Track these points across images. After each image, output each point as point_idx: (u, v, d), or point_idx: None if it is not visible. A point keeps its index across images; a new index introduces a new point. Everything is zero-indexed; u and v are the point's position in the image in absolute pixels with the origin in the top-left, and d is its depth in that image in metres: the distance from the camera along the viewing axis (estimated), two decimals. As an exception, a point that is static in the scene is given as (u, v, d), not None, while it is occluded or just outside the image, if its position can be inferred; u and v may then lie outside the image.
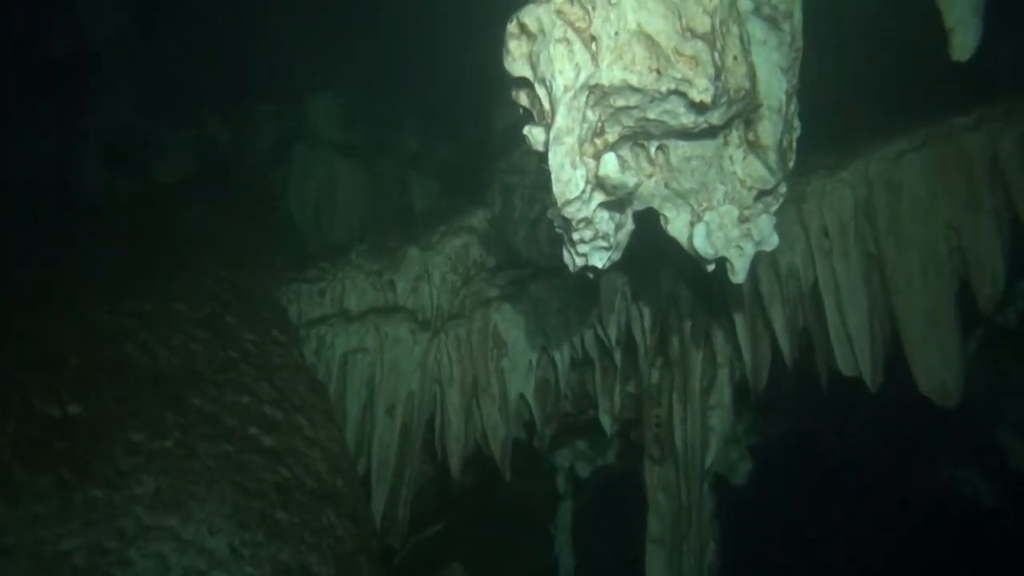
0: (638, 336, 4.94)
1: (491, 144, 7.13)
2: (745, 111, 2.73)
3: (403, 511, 5.14)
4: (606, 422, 5.32)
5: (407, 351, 5.43)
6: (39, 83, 6.69)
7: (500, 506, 6.72)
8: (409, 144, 8.92)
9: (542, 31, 2.50)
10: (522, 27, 2.55)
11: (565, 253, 3.08)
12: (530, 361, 5.25)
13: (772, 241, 2.97)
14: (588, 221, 2.81)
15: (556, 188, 2.70)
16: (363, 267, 5.90)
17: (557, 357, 5.21)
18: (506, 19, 2.85)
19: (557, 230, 3.00)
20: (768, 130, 2.83)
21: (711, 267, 3.06)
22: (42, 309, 4.21)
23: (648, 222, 3.14)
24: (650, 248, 4.76)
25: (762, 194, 2.91)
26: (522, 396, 5.22)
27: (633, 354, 5.05)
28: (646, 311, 4.88)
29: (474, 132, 8.04)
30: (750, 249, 2.95)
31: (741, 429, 5.78)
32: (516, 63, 2.63)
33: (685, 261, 4.72)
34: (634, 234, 3.09)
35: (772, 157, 2.88)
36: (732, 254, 2.94)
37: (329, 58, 7.86)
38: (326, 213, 8.29)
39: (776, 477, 6.25)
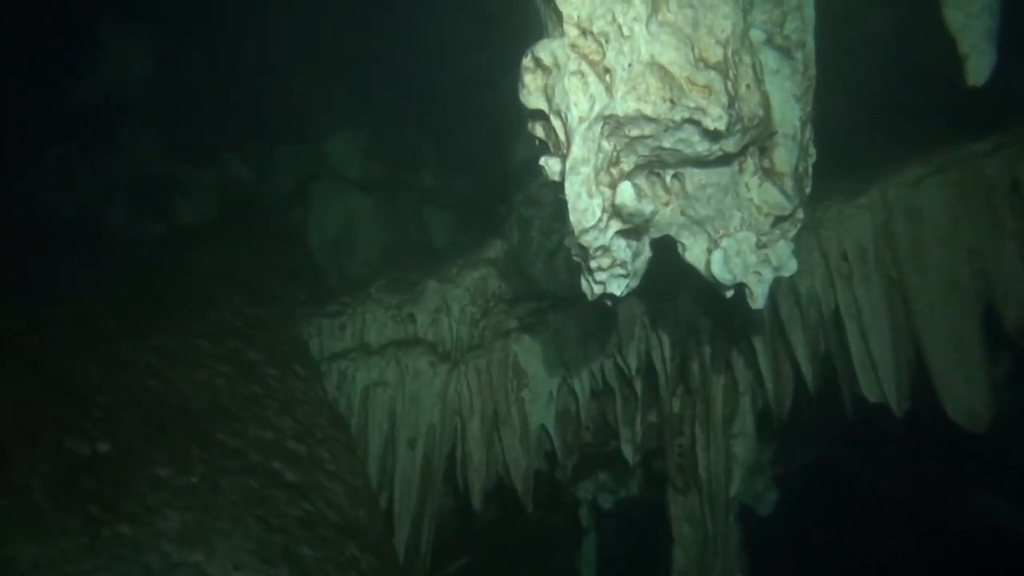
0: (658, 364, 4.92)
1: (508, 178, 7.22)
2: (760, 138, 2.77)
3: (426, 545, 5.10)
4: (628, 452, 5.28)
5: (427, 383, 5.45)
6: (69, 129, 6.92)
7: (522, 540, 6.64)
8: (426, 180, 9.06)
9: (556, 64, 2.57)
10: (537, 61, 2.62)
11: (583, 281, 3.11)
12: (550, 392, 5.24)
13: (791, 267, 2.98)
14: (605, 249, 2.85)
15: (573, 217, 2.74)
16: (383, 301, 5.96)
17: (577, 387, 5.20)
18: (520, 55, 2.93)
19: (575, 259, 3.03)
20: (783, 157, 2.87)
21: (730, 293, 3.07)
22: (72, 347, 4.29)
23: (665, 250, 3.17)
24: (668, 276, 4.78)
25: (779, 220, 2.94)
26: (543, 427, 5.20)
27: (653, 383, 5.03)
28: (665, 339, 4.87)
29: (491, 167, 8.16)
30: (768, 275, 2.96)
31: (766, 458, 5.69)
32: (531, 96, 2.70)
33: (703, 288, 4.73)
34: (652, 262, 3.11)
35: (788, 183, 2.90)
36: (751, 280, 2.95)
37: (347, 97, 8.06)
38: (346, 249, 8.41)
39: (803, 507, 6.12)
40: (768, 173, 2.89)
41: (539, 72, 2.67)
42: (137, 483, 3.58)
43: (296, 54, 7.73)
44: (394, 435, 5.37)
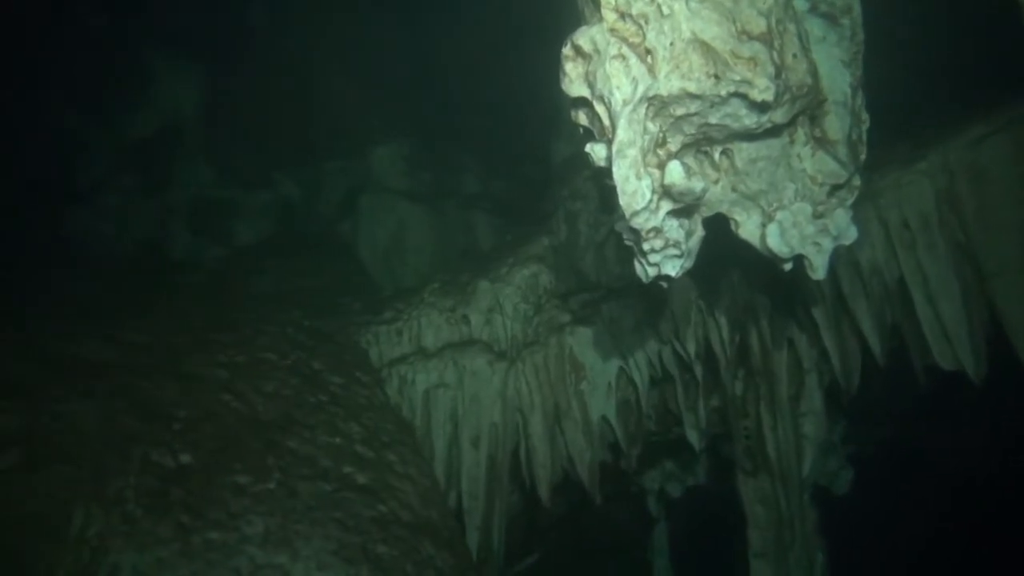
0: (717, 348, 4.86)
1: (551, 176, 7.26)
2: (809, 107, 2.73)
3: (498, 541, 5.15)
4: (693, 438, 5.22)
5: (486, 382, 5.50)
6: (129, 162, 7.26)
7: (593, 533, 6.63)
8: (470, 185, 9.17)
9: (596, 50, 2.58)
10: (577, 49, 2.64)
11: (637, 265, 3.10)
12: (609, 382, 5.23)
13: (851, 234, 2.92)
14: (657, 230, 2.84)
15: (622, 200, 2.74)
16: (437, 304, 6.05)
17: (636, 376, 5.18)
18: (555, 54, 2.96)
19: (627, 243, 3.03)
20: (835, 124, 2.81)
21: (788, 266, 3.02)
22: (150, 367, 4.51)
23: (718, 231, 3.14)
24: (723, 257, 4.72)
25: (835, 188, 2.88)
26: (604, 418, 5.20)
27: (714, 366, 4.96)
28: (723, 322, 4.80)
29: (533, 167, 8.20)
30: (828, 244, 2.91)
31: (837, 436, 5.55)
32: (573, 84, 2.72)
33: (759, 266, 4.65)
34: (705, 245, 3.09)
35: (842, 151, 2.85)
36: (810, 251, 2.91)
37: (387, 110, 8.22)
38: (396, 258, 8.57)
39: (880, 485, 5.93)
40: (820, 142, 2.84)
41: (579, 59, 2.69)
42: (220, 491, 3.73)
43: (336, 72, 7.92)
44: (457, 435, 5.44)
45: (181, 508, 3.49)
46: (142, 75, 7.29)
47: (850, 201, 2.94)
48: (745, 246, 3.07)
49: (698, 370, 4.93)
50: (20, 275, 5.33)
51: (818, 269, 2.92)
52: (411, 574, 3.83)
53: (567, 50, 2.66)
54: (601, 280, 5.91)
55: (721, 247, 3.47)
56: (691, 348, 4.84)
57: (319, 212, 8.72)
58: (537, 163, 7.95)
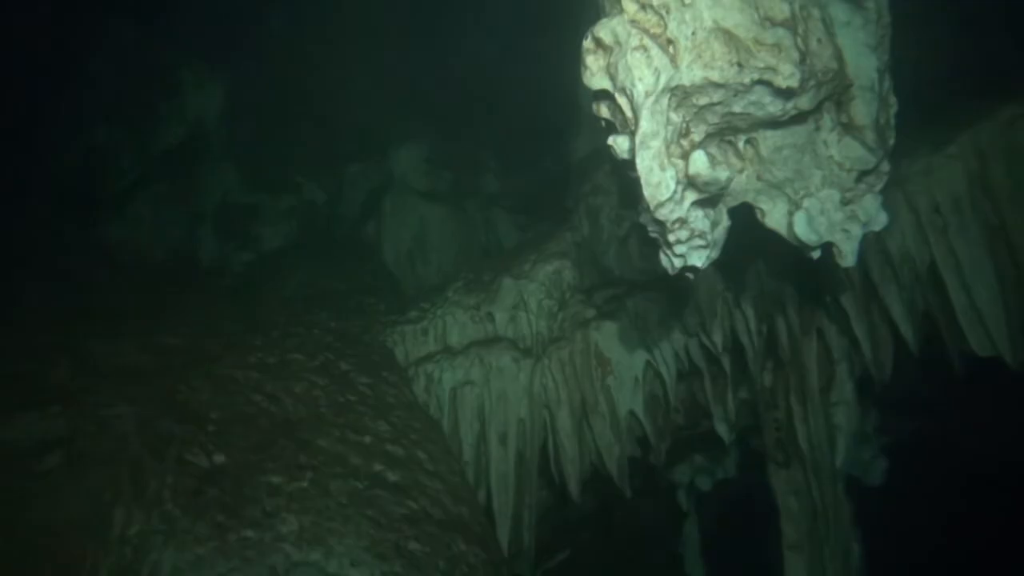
0: (744, 340, 4.83)
1: (571, 172, 7.25)
2: (835, 93, 2.70)
3: (528, 537, 5.17)
4: (722, 430, 5.19)
5: (512, 379, 5.52)
6: (158, 170, 7.40)
7: (623, 528, 6.62)
8: (490, 184, 9.20)
9: (617, 42, 2.58)
10: (597, 41, 2.64)
11: (662, 257, 3.09)
12: (636, 377, 5.22)
13: (880, 220, 2.89)
14: (683, 221, 2.83)
15: (647, 192, 2.74)
16: (461, 302, 6.08)
17: (663, 370, 5.16)
18: (572, 53, 2.95)
19: (651, 235, 3.03)
20: (862, 109, 2.78)
21: (816, 254, 2.99)
22: (183, 370, 4.60)
23: (743, 221, 3.12)
24: (748, 248, 4.68)
25: (863, 174, 2.85)
26: (632, 413, 5.18)
27: (742, 358, 4.93)
28: (750, 313, 4.77)
29: (552, 164, 8.20)
30: (857, 231, 2.88)
31: (870, 426, 5.47)
32: (595, 77, 2.72)
33: (786, 255, 4.61)
34: (730, 235, 3.07)
35: (870, 136, 2.82)
36: (838, 238, 2.88)
37: (407, 111, 8.27)
38: (419, 258, 8.63)
39: (916, 475, 5.84)
40: (847, 127, 2.81)
41: (600, 52, 2.69)
42: (254, 490, 3.80)
43: (356, 75, 7.99)
44: (485, 432, 5.46)
45: (217, 507, 3.56)
46: (168, 85, 7.43)
47: (879, 187, 2.90)
48: (771, 235, 3.05)
49: (726, 362, 4.90)
50: (56, 282, 5.47)
51: (847, 256, 2.89)
52: (444, 570, 3.87)
53: (588, 43, 2.66)
54: (625, 275, 5.90)
55: (747, 237, 3.45)
56: (718, 340, 4.81)
57: (342, 214, 8.81)
58: (557, 160, 7.96)
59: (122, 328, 5.00)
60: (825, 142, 2.84)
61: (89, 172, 6.91)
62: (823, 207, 2.88)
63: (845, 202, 2.88)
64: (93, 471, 3.55)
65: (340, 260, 8.18)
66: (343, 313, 6.57)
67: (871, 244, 4.19)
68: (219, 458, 3.92)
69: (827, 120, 2.79)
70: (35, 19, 6.29)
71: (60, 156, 6.65)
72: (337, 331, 6.17)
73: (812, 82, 2.55)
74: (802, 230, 2.86)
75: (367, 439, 4.79)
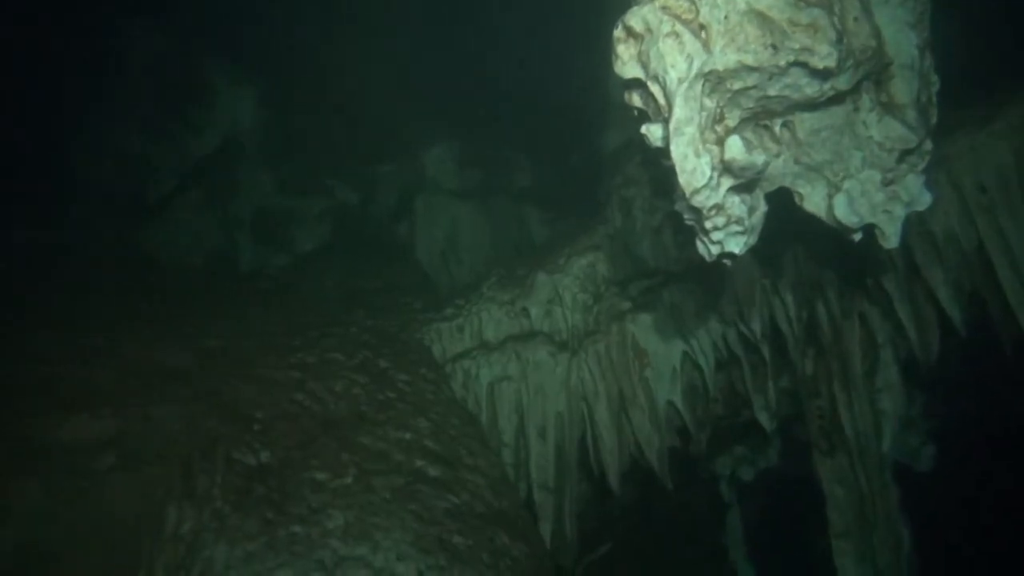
0: (784, 327, 4.76)
1: (602, 165, 7.22)
2: (874, 72, 2.65)
3: (571, 530, 5.18)
4: (764, 420, 5.12)
5: (549, 373, 5.53)
6: (195, 177, 7.57)
7: (665, 520, 6.58)
8: (521, 181, 9.21)
9: (649, 30, 2.56)
10: (628, 30, 2.63)
11: (699, 244, 3.07)
12: (674, 367, 5.18)
13: (924, 200, 2.82)
14: (719, 207, 2.80)
15: (682, 179, 2.72)
16: (496, 298, 6.10)
17: (701, 360, 5.11)
18: (603, 40, 2.93)
19: (687, 222, 3.00)
20: (902, 88, 2.72)
21: (858, 236, 2.94)
22: (227, 371, 4.70)
23: (780, 207, 3.08)
24: (786, 233, 4.61)
25: (905, 154, 2.79)
26: (671, 403, 5.15)
27: (781, 346, 4.86)
28: (789, 300, 4.69)
29: (581, 159, 8.18)
30: (900, 211, 2.82)
31: (916, 411, 5.34)
32: (626, 66, 2.71)
33: (825, 240, 4.53)
34: (767, 221, 3.03)
35: (911, 115, 2.75)
36: (881, 219, 2.82)
37: (436, 111, 8.32)
38: (452, 256, 8.68)
39: (964, 459, 5.68)
40: (887, 107, 2.75)
41: (631, 40, 2.67)
42: (300, 487, 3.87)
43: (384, 77, 8.06)
44: (524, 427, 5.48)
45: (265, 504, 3.64)
46: (203, 94, 7.60)
47: (922, 166, 2.84)
48: (810, 219, 3.00)
49: (765, 350, 4.83)
50: (100, 288, 5.63)
51: (890, 237, 2.84)
52: (488, 563, 3.89)
53: (618, 32, 2.64)
54: (660, 265, 5.85)
55: (784, 222, 3.40)
56: (757, 328, 4.75)
57: (375, 215, 8.91)
58: (586, 154, 7.93)
59: (165, 331, 5.13)
60: (864, 122, 2.79)
61: (129, 180, 7.11)
62: (864, 188, 2.83)
63: (887, 183, 2.83)
64: (145, 470, 3.66)
65: (374, 260, 8.27)
66: (379, 312, 6.65)
67: (914, 225, 4.09)
68: (265, 456, 4.01)
69: (866, 100, 2.74)
70: (74, 33, 6.49)
71: (101, 165, 6.85)
72: (374, 330, 6.24)
73: (850, 62, 2.50)
74: (843, 212, 2.81)
75: (407, 435, 4.85)
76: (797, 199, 2.98)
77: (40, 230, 6.01)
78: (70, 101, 6.61)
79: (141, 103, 6.91)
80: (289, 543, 3.49)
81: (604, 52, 2.91)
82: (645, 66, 2.67)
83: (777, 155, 2.88)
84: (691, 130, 2.64)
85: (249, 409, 4.40)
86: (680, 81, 2.59)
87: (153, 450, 3.77)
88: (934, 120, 2.85)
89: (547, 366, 5.57)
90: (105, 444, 3.67)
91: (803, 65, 2.49)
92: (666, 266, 5.77)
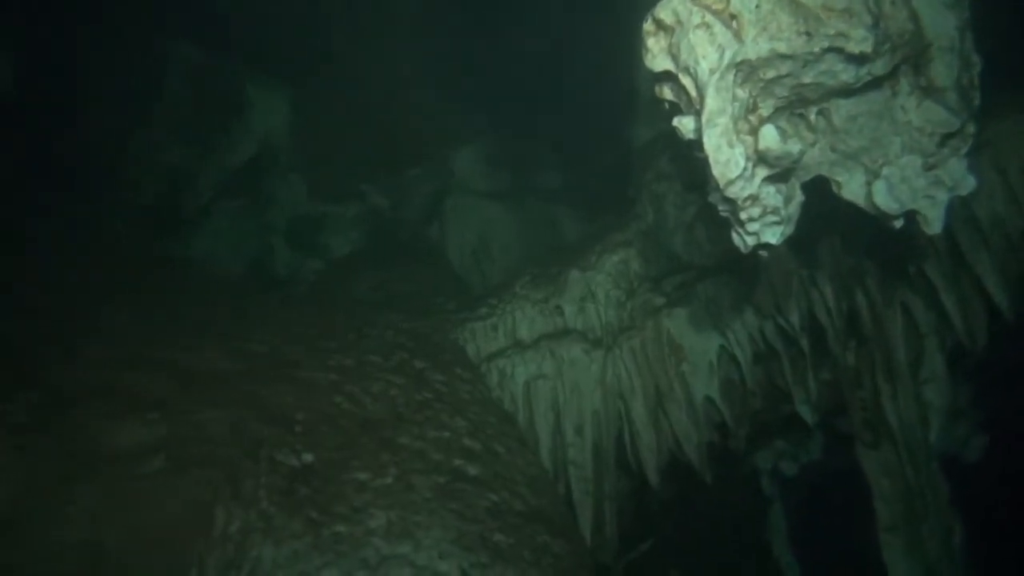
0: (824, 319, 4.68)
1: (632, 161, 7.18)
2: (912, 55, 2.60)
3: (610, 528, 5.17)
4: (805, 413, 5.04)
5: (585, 371, 5.53)
6: (233, 187, 7.74)
7: (706, 517, 6.52)
8: (551, 180, 9.21)
9: (679, 22, 2.55)
10: (658, 23, 2.62)
11: (734, 236, 3.04)
12: (710, 362, 5.14)
13: (968, 184, 2.77)
14: (754, 198, 2.78)
15: (715, 171, 2.70)
16: (529, 296, 6.11)
17: (738, 354, 5.06)
18: (631, 35, 2.92)
19: (722, 214, 2.98)
20: (942, 70, 2.67)
21: (898, 223, 2.89)
22: (268, 375, 4.80)
23: (816, 196, 3.03)
24: (822, 222, 4.53)
25: (947, 138, 2.73)
26: (708, 398, 5.11)
27: (821, 338, 4.77)
28: (828, 290, 4.61)
29: (611, 155, 8.14)
30: (943, 196, 2.77)
31: (964, 401, 5.20)
32: (656, 59, 2.70)
33: (864, 228, 4.44)
34: (804, 212, 3.00)
35: (952, 97, 2.70)
36: (922, 205, 2.77)
37: (465, 113, 8.37)
38: (484, 256, 8.72)
39: (1017, 450, 5.51)
40: (927, 90, 2.70)
41: (661, 33, 2.66)
42: (342, 488, 3.94)
43: (413, 80, 8.14)
44: (560, 424, 5.49)
45: (309, 504, 3.71)
46: (239, 104, 7.77)
47: (964, 149, 2.78)
48: (848, 207, 2.96)
49: (804, 343, 4.76)
50: (147, 297, 5.80)
51: (933, 223, 2.78)
52: (530, 561, 3.91)
53: (648, 25, 2.64)
54: (693, 260, 5.81)
55: (820, 211, 3.35)
56: (795, 320, 4.68)
57: (407, 219, 8.99)
58: (615, 151, 7.90)
59: (208, 337, 5.25)
60: (903, 107, 2.74)
61: (170, 191, 7.31)
62: (904, 174, 2.78)
63: (928, 167, 2.78)
64: (192, 473, 3.76)
65: (407, 263, 8.35)
66: (413, 314, 6.72)
67: (957, 210, 4.00)
68: (307, 457, 4.09)
69: (904, 84, 2.69)
70: (116, 51, 6.69)
71: (143, 178, 7.06)
72: (409, 331, 6.31)
73: (887, 46, 2.47)
74: (883, 199, 2.77)
75: (446, 435, 4.89)
76: (834, 187, 2.95)
77: (87, 241, 6.21)
78: (113, 118, 6.83)
79: (180, 116, 7.10)
80: (333, 542, 3.55)
81: (633, 46, 2.90)
82: (675, 58, 2.66)
83: (813, 143, 2.85)
84: (724, 121, 2.63)
85: (290, 412, 4.48)
86: (711, 72, 2.57)
87: (200, 453, 3.87)
88: (977, 102, 2.78)
89: (582, 363, 5.57)
90: (155, 448, 3.78)
91: (838, 51, 2.45)
92: (700, 260, 5.73)
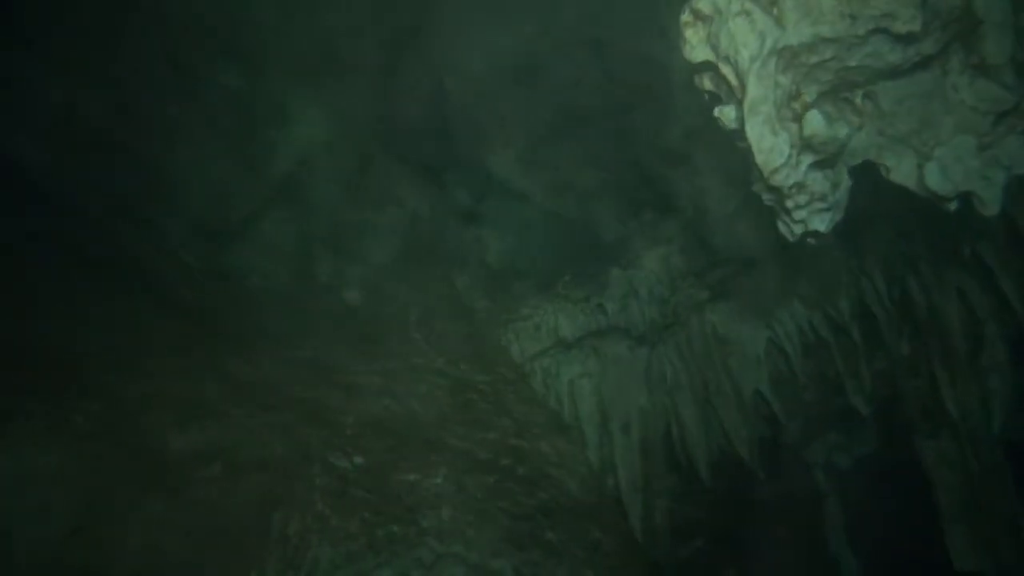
0: (875, 307, 4.56)
1: (669, 157, 7.11)
2: (963, 33, 2.53)
3: (661, 524, 5.12)
4: (859, 404, 4.92)
5: (629, 368, 5.49)
6: (275, 197, 7.92)
7: (760, 512, 6.40)
8: (588, 178, 9.16)
9: (717, 11, 2.53)
10: (696, 13, 2.60)
11: (780, 225, 3.00)
12: (758, 355, 5.06)
13: (1025, 162, 2.68)
14: (800, 185, 2.74)
15: (759, 160, 2.66)
16: (570, 296, 6.11)
17: (787, 346, 4.97)
18: (667, 27, 2.90)
19: (767, 203, 2.94)
20: (995, 47, 2.59)
21: (952, 206, 2.82)
22: (314, 380, 4.90)
23: (863, 181, 2.97)
24: (871, 209, 4.42)
25: (1002, 116, 2.65)
26: (758, 392, 5.03)
27: (873, 327, 4.66)
28: (879, 278, 4.50)
29: (647, 153, 8.06)
30: (1000, 176, 2.69)
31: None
32: (695, 49, 2.68)
33: (914, 213, 4.31)
34: (851, 198, 2.94)
35: (1007, 74, 2.61)
36: (978, 186, 2.69)
37: (502, 115, 8.38)
38: (523, 257, 8.72)
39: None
40: (980, 68, 2.62)
41: (699, 24, 2.65)
42: (394, 488, 3.99)
43: (448, 85, 8.20)
44: (606, 422, 5.46)
45: (363, 505, 3.77)
46: (278, 117, 7.93)
47: (1021, 127, 2.69)
48: (898, 191, 2.89)
49: (856, 332, 4.65)
50: (197, 308, 5.95)
51: (990, 204, 2.71)
52: (583, 559, 3.91)
53: (686, 16, 2.62)
54: (735, 253, 5.73)
55: (869, 196, 3.27)
56: (845, 309, 4.58)
57: (444, 222, 9.05)
58: (652, 148, 7.82)
59: (257, 345, 5.38)
60: (955, 86, 2.67)
61: (215, 205, 7.51)
62: (957, 155, 2.71)
63: (983, 147, 2.70)
64: (249, 477, 3.85)
65: (446, 266, 8.40)
66: (455, 316, 6.77)
67: (1015, 190, 3.85)
68: (359, 459, 4.15)
69: (955, 63, 2.62)
70: (158, 79, 6.92)
71: (191, 195, 7.27)
72: (452, 334, 6.36)
73: (936, 24, 2.41)
74: (935, 182, 2.70)
75: (492, 435, 4.91)
76: (883, 171, 2.88)
77: (137, 256, 6.42)
78: (163, 141, 7.05)
79: (222, 132, 7.30)
80: (388, 542, 3.60)
81: (670, 39, 2.88)
82: (715, 48, 2.63)
83: (859, 127, 2.79)
84: (767, 108, 2.59)
85: (340, 416, 4.56)
86: (752, 60, 2.55)
87: (256, 458, 3.97)
88: (1033, 77, 2.69)
89: (626, 360, 5.53)
90: (212, 454, 3.88)
91: (884, 32, 2.41)
92: (742, 253, 5.64)
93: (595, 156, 8.92)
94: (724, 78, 2.72)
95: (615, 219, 8.63)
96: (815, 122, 2.62)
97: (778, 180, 2.73)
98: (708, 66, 2.72)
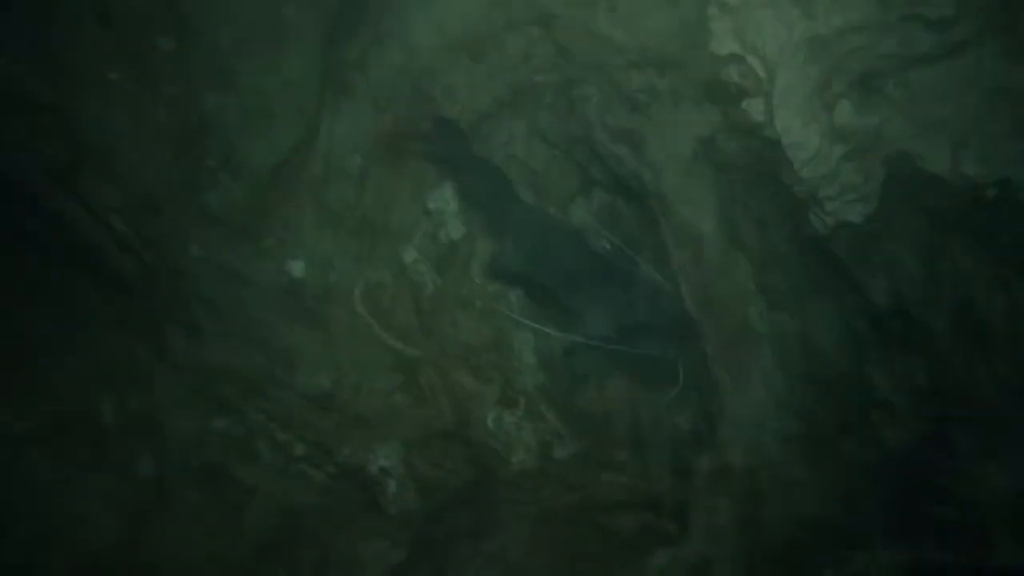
0: (914, 308, 4.44)
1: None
2: (998, 16, 2.48)
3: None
4: (895, 398, 4.80)
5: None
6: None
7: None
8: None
9: (744, 2, 2.51)
10: (722, 6, 2.58)
11: (812, 217, 2.98)
12: (790, 350, 4.98)
13: (1067, 146, 2.62)
14: (832, 176, 2.71)
15: (789, 151, 2.64)
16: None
17: (819, 341, 4.88)
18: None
19: (797, 196, 2.91)
20: (1033, 31, 2.53)
21: (992, 192, 2.78)
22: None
23: (895, 170, 2.92)
24: (905, 199, 4.32)
25: (1041, 100, 2.60)
26: (790, 388, 4.94)
27: (909, 320, 4.55)
28: (917, 274, 4.39)
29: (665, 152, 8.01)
30: (1040, 161, 2.63)
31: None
32: (722, 42, 2.65)
33: (950, 201, 4.21)
34: (884, 188, 2.90)
35: (1046, 57, 2.56)
36: (1017, 171, 2.65)
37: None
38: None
39: None
40: (1017, 53, 2.57)
41: (726, 16, 2.62)
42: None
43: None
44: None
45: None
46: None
47: (1061, 111, 2.63)
48: (933, 179, 2.85)
49: (892, 325, 4.53)
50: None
51: (1033, 188, 2.65)
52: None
53: (711, 9, 2.60)
54: (764, 247, 5.66)
55: (902, 185, 3.21)
56: (881, 302, 4.46)
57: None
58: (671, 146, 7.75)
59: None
60: (990, 72, 2.61)
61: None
62: (994, 141, 2.66)
63: (1020, 133, 2.64)
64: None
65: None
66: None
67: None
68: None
69: (990, 47, 2.56)
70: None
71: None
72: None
73: (970, 8, 2.36)
74: (972, 168, 2.66)
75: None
76: (917, 160, 2.83)
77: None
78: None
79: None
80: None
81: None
82: (742, 40, 2.61)
83: (892, 116, 2.74)
84: (796, 99, 2.56)
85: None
86: (781, 51, 2.52)
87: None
88: (1084, 57, 2.63)
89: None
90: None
91: (916, 18, 2.36)
92: (771, 247, 5.57)
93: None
94: (752, 70, 2.69)
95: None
96: (846, 112, 2.59)
97: (809, 172, 2.70)
98: (735, 58, 2.69)
